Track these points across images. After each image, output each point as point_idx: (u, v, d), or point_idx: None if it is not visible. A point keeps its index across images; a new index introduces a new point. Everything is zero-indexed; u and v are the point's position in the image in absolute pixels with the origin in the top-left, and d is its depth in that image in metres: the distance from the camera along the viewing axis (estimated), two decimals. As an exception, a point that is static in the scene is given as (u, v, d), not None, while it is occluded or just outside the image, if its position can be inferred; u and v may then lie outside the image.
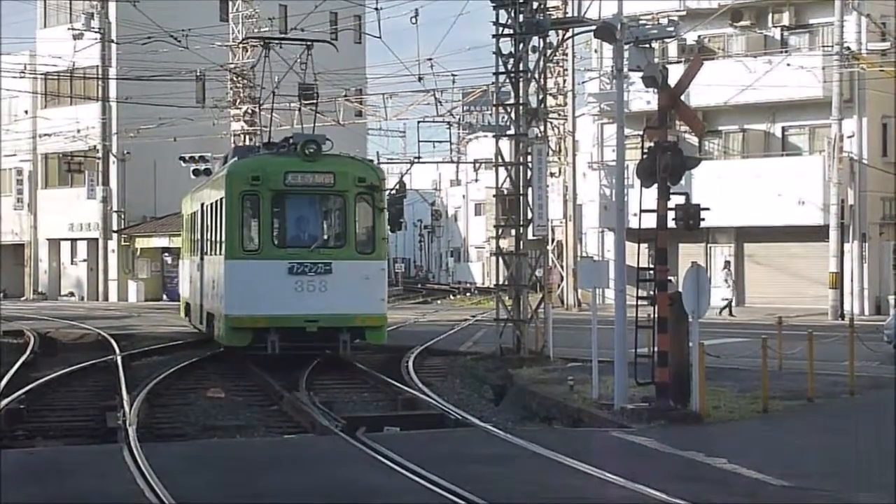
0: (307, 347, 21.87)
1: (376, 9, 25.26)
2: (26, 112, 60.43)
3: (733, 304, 38.72)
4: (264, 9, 51.53)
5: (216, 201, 23.91)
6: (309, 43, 25.56)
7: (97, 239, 58.00)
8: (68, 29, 55.83)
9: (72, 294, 59.68)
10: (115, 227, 57.43)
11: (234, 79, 52.32)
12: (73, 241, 60.62)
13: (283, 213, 22.46)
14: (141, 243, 57.37)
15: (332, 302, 21.60)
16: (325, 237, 22.94)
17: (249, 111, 50.54)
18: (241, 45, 52.04)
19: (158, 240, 55.94)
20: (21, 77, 56.14)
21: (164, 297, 55.10)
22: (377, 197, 22.48)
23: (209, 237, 25.49)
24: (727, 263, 40.83)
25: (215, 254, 24.06)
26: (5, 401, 17.86)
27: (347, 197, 22.18)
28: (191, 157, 47.08)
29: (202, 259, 26.69)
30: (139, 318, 40.34)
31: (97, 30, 55.66)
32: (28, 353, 26.10)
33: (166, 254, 56.00)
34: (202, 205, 26.88)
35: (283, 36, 24.50)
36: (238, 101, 52.08)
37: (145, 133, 52.88)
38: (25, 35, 63.78)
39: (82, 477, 12.28)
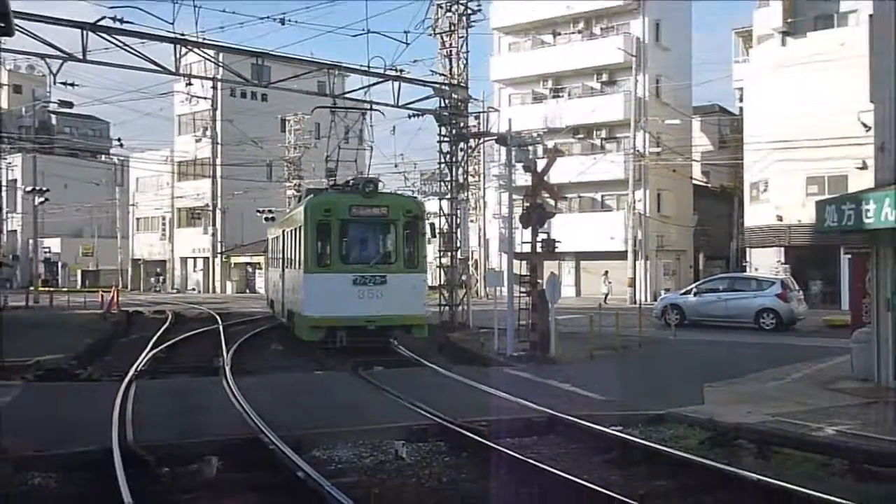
0: (366, 341, 17.58)
1: (370, 126, 24.87)
2: (167, 184, 59.81)
3: (608, 295, 37.98)
4: (305, 124, 51.25)
5: (296, 228, 19.19)
6: (364, 110, 22.71)
7: (208, 257, 57.58)
8: (193, 135, 55.92)
9: (194, 289, 58.88)
10: (219, 251, 56.95)
11: (288, 165, 51.93)
12: (195, 258, 59.73)
13: (348, 236, 17.90)
14: (234, 259, 56.80)
15: (387, 306, 17.46)
16: (381, 255, 18.05)
17: (297, 185, 50.16)
18: (294, 146, 51.71)
19: (245, 258, 55.56)
20: (165, 163, 56.10)
21: (248, 291, 54.73)
22: (420, 224, 18.17)
23: (290, 255, 20.69)
24: (606, 272, 39.80)
25: (295, 268, 19.29)
26: (154, 351, 17.73)
27: (397, 224, 17.92)
28: (263, 210, 47.25)
29: (283, 271, 22.33)
30: (233, 304, 39.79)
31: (209, 137, 55.53)
32: (167, 323, 25.72)
33: (249, 266, 55.86)
34: (283, 231, 22.54)
35: (345, 107, 21.13)
36: (290, 177, 51.70)
37: (237, 196, 52.77)
38: (168, 138, 63.20)
39: (200, 395, 12.11)
